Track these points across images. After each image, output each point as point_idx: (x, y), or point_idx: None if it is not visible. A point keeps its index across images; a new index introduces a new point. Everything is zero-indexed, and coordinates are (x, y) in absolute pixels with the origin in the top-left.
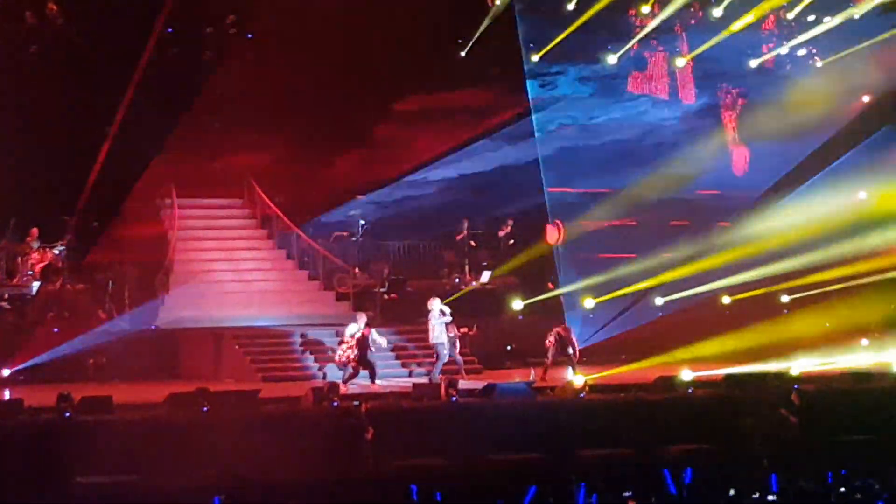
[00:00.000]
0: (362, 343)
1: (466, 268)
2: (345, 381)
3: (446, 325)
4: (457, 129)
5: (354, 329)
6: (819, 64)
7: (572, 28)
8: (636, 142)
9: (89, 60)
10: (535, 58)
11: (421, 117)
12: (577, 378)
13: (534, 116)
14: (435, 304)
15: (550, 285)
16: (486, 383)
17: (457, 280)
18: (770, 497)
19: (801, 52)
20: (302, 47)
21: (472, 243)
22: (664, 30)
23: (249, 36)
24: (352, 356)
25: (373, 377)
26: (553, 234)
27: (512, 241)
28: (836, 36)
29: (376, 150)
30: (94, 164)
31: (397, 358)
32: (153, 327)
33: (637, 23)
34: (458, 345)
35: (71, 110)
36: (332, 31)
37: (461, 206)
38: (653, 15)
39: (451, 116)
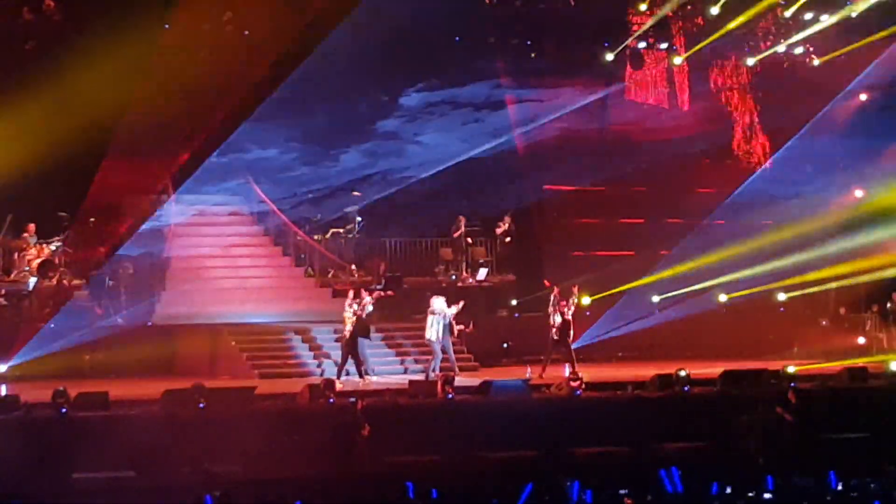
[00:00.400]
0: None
1: (463, 265)
2: (338, 376)
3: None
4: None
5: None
6: (816, 62)
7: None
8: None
9: (86, 56)
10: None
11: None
12: (573, 376)
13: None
14: (437, 302)
15: (547, 282)
16: (482, 381)
17: (453, 277)
18: (766, 495)
19: (798, 50)
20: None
21: (469, 240)
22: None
23: (246, 33)
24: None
25: (360, 372)
26: None
27: (509, 238)
28: (833, 34)
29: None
30: (92, 160)
31: (397, 355)
32: (149, 324)
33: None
34: (454, 332)
35: (69, 106)
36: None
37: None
38: (650, 14)
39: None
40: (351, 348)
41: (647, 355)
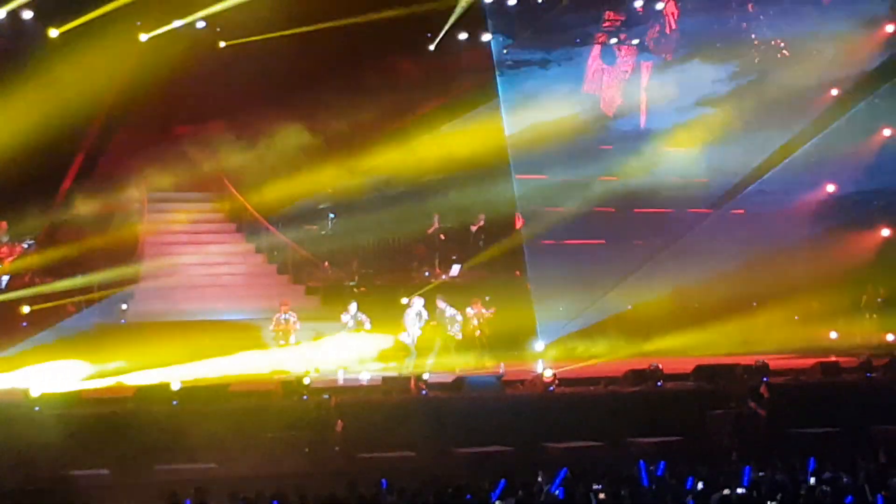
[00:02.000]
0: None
1: (436, 261)
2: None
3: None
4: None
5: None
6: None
7: None
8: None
9: (60, 54)
10: None
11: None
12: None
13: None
14: (417, 303)
15: (518, 273)
16: (455, 377)
17: (426, 274)
18: (739, 490)
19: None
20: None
21: (442, 237)
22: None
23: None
24: None
25: None
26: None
27: (484, 237)
28: (804, 26)
29: None
30: (66, 157)
31: None
32: (122, 321)
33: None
34: None
35: (43, 104)
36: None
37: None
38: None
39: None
40: None
41: (621, 350)
